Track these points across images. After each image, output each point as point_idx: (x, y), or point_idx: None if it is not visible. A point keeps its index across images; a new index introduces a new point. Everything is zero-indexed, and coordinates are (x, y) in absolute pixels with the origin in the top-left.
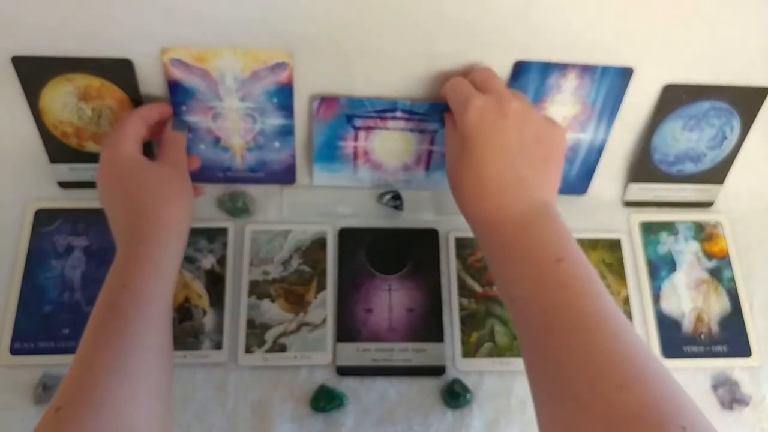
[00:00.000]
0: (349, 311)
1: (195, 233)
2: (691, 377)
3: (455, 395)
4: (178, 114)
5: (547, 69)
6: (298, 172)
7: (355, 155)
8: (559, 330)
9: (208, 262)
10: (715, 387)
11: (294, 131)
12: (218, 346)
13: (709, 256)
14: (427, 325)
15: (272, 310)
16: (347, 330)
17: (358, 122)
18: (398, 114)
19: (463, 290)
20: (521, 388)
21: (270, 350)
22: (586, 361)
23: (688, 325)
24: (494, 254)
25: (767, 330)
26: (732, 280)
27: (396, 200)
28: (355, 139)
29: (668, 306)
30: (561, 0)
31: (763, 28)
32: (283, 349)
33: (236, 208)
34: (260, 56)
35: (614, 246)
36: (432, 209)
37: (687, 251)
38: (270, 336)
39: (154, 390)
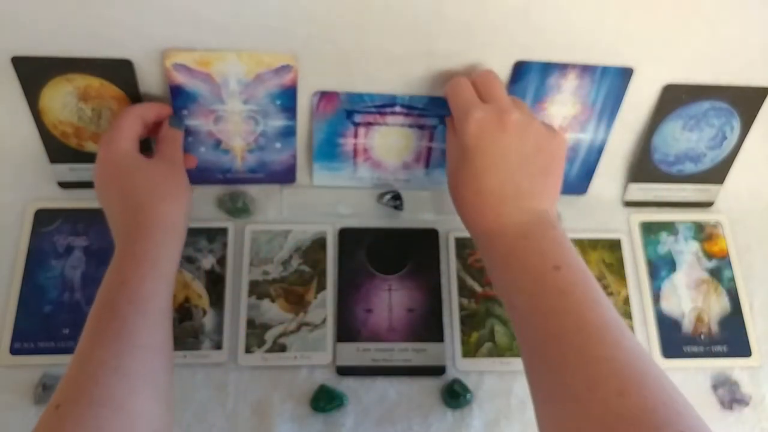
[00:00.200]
0: (349, 311)
1: (195, 233)
2: (691, 377)
3: (455, 395)
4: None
5: (547, 69)
6: (298, 172)
7: (355, 153)
8: (559, 336)
9: (208, 262)
10: (715, 387)
11: (296, 132)
12: (218, 346)
13: (709, 256)
14: (427, 325)
15: (272, 310)
16: (347, 330)
17: (358, 118)
18: (397, 109)
19: (463, 290)
20: (521, 388)
21: (270, 350)
22: (586, 365)
23: (688, 325)
24: (495, 263)
25: (767, 330)
26: (732, 280)
27: (396, 200)
28: (355, 136)
29: (668, 306)
30: (561, 0)
31: (763, 28)
32: (283, 349)
33: (236, 208)
34: (265, 60)
35: (614, 246)
36: (432, 209)
37: (687, 251)
38: (270, 336)
39: (152, 388)
